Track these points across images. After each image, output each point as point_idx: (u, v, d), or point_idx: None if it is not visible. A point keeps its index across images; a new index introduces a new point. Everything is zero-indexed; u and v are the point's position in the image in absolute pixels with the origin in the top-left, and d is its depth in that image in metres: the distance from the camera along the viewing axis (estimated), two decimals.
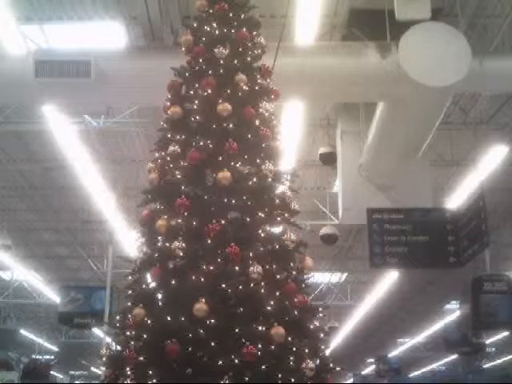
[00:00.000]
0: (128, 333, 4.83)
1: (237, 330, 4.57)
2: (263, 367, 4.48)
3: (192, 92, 5.60)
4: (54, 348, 27.25)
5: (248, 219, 5.03)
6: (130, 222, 12.83)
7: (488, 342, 19.47)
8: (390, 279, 16.27)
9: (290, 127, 9.14)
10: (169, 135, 5.45)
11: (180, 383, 4.45)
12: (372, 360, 27.93)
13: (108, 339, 9.15)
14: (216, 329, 4.53)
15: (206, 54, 5.66)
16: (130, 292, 5.08)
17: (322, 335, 5.09)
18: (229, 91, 5.47)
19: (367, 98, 8.53)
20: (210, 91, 5.42)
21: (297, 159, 10.54)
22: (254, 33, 5.92)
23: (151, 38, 8.12)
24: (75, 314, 15.80)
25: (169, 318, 4.62)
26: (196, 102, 5.49)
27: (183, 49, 5.88)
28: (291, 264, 5.19)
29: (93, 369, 27.61)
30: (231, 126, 5.30)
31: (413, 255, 9.32)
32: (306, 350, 4.82)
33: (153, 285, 5.00)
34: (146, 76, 7.42)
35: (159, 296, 4.92)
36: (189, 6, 7.91)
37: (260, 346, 4.49)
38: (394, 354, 27.89)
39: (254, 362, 4.44)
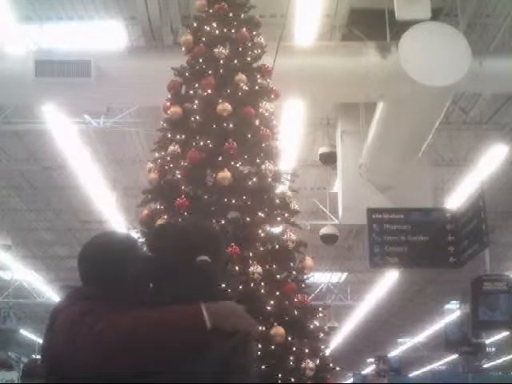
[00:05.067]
0: None
1: None
2: (263, 367, 4.48)
3: (192, 92, 5.60)
4: None
5: (248, 219, 5.03)
6: (129, 221, 12.82)
7: (488, 341, 19.45)
8: (389, 279, 16.26)
9: (290, 127, 9.13)
10: (169, 135, 5.45)
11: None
12: (372, 360, 27.91)
13: None
14: None
15: (205, 53, 5.66)
16: None
17: (321, 335, 5.09)
18: (229, 91, 5.47)
19: (367, 98, 8.53)
20: (209, 91, 5.42)
21: (297, 159, 10.55)
22: (254, 33, 5.93)
23: (151, 38, 8.12)
24: None
25: None
26: (196, 101, 5.49)
27: (183, 49, 5.89)
28: (291, 264, 5.19)
29: None
30: (231, 125, 5.29)
31: (413, 255, 9.32)
32: (306, 350, 4.82)
33: None
34: (146, 76, 7.42)
35: None
36: (189, 5, 7.91)
37: (260, 345, 4.49)
38: (393, 353, 27.88)
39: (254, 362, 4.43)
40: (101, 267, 2.21)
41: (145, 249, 2.27)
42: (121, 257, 2.22)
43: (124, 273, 2.14)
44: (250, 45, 5.83)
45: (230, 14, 5.91)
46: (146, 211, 5.30)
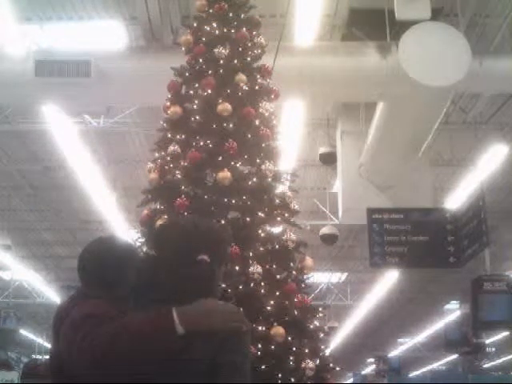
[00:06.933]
0: None
1: None
2: (263, 367, 4.48)
3: (192, 92, 5.60)
4: None
5: (248, 219, 5.02)
6: (130, 221, 12.82)
7: (488, 341, 19.44)
8: (390, 279, 16.27)
9: (290, 127, 9.14)
10: (169, 135, 5.45)
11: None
12: (372, 360, 27.91)
13: None
14: None
15: (205, 53, 5.67)
16: None
17: (321, 335, 5.09)
18: (229, 91, 5.47)
19: (367, 98, 8.53)
20: (209, 91, 5.42)
21: (297, 159, 10.55)
22: (254, 33, 5.93)
23: (151, 38, 8.12)
24: None
25: None
26: (196, 101, 5.49)
27: (183, 49, 5.89)
28: (291, 264, 5.19)
29: None
30: (231, 125, 5.29)
31: (413, 255, 9.31)
32: (306, 350, 4.82)
33: None
34: (146, 76, 7.42)
35: None
36: (189, 5, 7.92)
37: (260, 345, 4.49)
38: (393, 354, 27.89)
39: (254, 362, 4.43)
40: (102, 269, 2.22)
41: (146, 249, 2.29)
42: (121, 258, 2.23)
43: (125, 274, 2.15)
44: (250, 45, 5.83)
45: (230, 14, 5.91)
46: (146, 211, 5.29)
